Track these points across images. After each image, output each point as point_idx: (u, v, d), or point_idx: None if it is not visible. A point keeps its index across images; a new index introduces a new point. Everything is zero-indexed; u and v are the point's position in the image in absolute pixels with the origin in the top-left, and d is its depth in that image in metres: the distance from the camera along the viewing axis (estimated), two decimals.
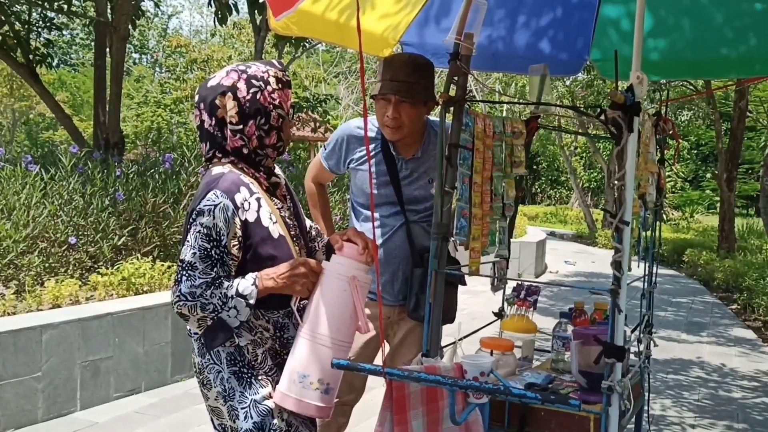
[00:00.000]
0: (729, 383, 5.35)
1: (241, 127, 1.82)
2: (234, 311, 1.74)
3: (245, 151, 1.85)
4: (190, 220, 1.76)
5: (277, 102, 1.85)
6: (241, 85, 1.82)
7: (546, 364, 2.52)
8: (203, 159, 1.93)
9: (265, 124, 1.85)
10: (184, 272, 1.73)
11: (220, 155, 1.86)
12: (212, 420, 1.91)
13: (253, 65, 1.88)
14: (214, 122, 1.84)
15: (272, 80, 1.85)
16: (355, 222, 2.65)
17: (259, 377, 1.81)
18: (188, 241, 1.75)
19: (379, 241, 2.52)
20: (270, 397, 1.79)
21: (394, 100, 2.40)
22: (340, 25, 2.37)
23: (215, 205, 1.74)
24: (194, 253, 1.73)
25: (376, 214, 2.54)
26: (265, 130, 1.85)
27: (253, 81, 1.83)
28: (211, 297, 1.72)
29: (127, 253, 5.58)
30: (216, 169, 1.84)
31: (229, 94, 1.82)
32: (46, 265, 4.91)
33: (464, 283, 2.55)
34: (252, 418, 1.76)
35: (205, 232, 1.73)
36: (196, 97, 1.89)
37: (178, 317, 1.83)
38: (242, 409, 1.78)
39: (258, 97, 1.82)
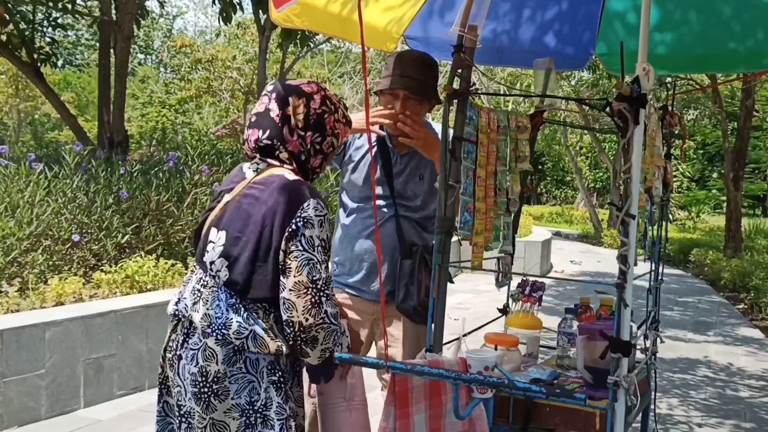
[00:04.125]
0: (736, 382, 5.31)
1: (302, 133, 1.85)
2: (345, 340, 1.81)
3: (303, 157, 1.87)
4: (293, 228, 1.72)
5: (336, 131, 1.91)
6: (317, 98, 1.87)
7: (551, 360, 2.49)
8: (249, 146, 1.89)
9: (318, 143, 1.88)
10: (323, 292, 1.72)
11: (279, 146, 1.85)
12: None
13: (330, 91, 1.93)
14: (280, 114, 1.84)
15: (341, 112, 1.92)
16: (342, 216, 2.63)
17: (290, 390, 1.79)
18: (312, 257, 1.71)
19: (367, 231, 2.51)
20: (291, 416, 1.78)
21: (402, 96, 2.39)
22: (342, 18, 2.35)
23: (324, 216, 1.76)
24: (326, 267, 1.74)
25: (366, 205, 2.53)
26: (315, 149, 1.88)
27: (328, 101, 1.89)
28: (340, 321, 1.78)
29: (130, 251, 5.58)
30: (289, 174, 1.82)
31: (304, 99, 1.85)
32: (50, 262, 4.91)
33: (451, 281, 2.52)
34: (288, 429, 1.74)
35: (323, 245, 1.74)
36: (270, 87, 1.90)
37: None
38: (279, 420, 1.73)
39: (325, 117, 1.87)
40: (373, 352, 2.65)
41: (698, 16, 2.82)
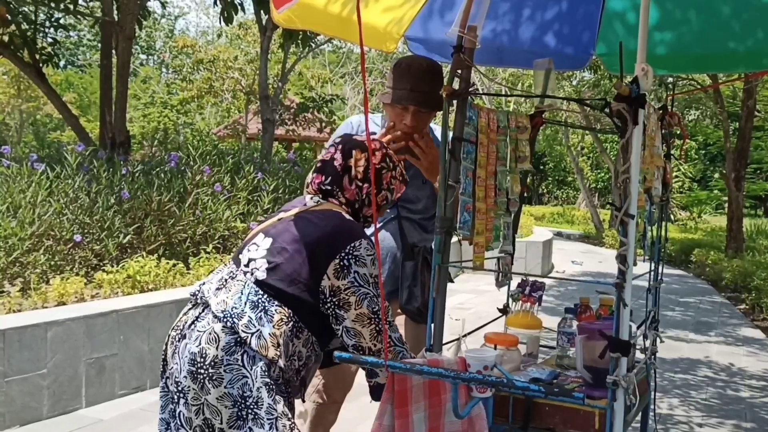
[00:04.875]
0: (737, 382, 5.31)
1: (360, 184, 2.02)
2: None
3: (357, 205, 2.04)
4: (344, 263, 1.85)
5: (391, 187, 2.08)
6: (378, 155, 2.06)
7: (551, 360, 2.50)
8: (312, 187, 2.06)
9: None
10: (385, 320, 1.86)
11: (338, 192, 2.02)
12: (197, 409, 1.80)
13: (392, 151, 2.13)
14: (342, 164, 2.03)
15: (398, 170, 2.10)
16: None
17: (279, 395, 1.83)
18: (369, 292, 1.86)
19: (368, 231, 2.51)
20: (284, 414, 1.81)
21: (412, 110, 2.39)
22: (342, 18, 2.36)
23: (374, 255, 1.90)
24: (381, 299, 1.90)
25: None
26: (370, 200, 2.04)
27: (387, 159, 2.08)
28: (405, 344, 1.94)
29: (132, 251, 5.59)
30: (345, 214, 1.98)
31: (366, 154, 2.03)
32: (52, 262, 4.92)
33: (451, 281, 2.52)
34: (274, 430, 1.78)
35: (375, 281, 1.89)
36: (337, 139, 2.12)
37: None
38: (269, 420, 1.78)
39: (383, 172, 2.06)
40: None
41: (698, 15, 2.83)
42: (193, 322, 1.86)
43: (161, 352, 1.96)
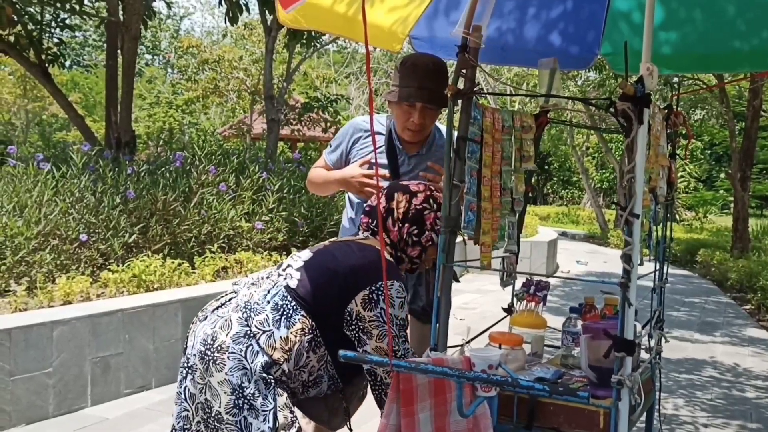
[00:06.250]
0: (743, 383, 5.29)
1: (401, 225, 2.11)
2: None
3: (400, 245, 2.12)
4: (373, 297, 1.90)
5: (436, 228, 2.14)
6: (420, 197, 2.14)
7: (555, 359, 2.49)
8: (362, 227, 2.19)
9: (416, 236, 2.12)
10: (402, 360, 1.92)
11: (383, 233, 2.12)
12: (201, 389, 1.86)
13: (439, 193, 2.18)
14: (386, 207, 2.14)
15: None
16: (349, 211, 2.65)
17: (281, 387, 1.89)
18: (391, 331, 1.92)
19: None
20: (287, 407, 1.86)
21: (419, 107, 2.40)
22: (348, 18, 2.36)
23: (404, 298, 1.97)
24: (404, 341, 1.98)
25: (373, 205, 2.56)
26: (413, 241, 2.11)
27: (431, 200, 2.15)
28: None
29: (137, 250, 5.60)
30: (386, 254, 2.06)
31: (408, 195, 2.13)
32: (58, 262, 4.94)
33: (457, 280, 2.52)
34: (269, 422, 1.83)
35: (400, 323, 1.96)
36: (385, 184, 2.25)
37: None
38: (263, 411, 1.83)
39: (425, 213, 2.13)
40: None
41: (703, 15, 2.82)
42: (218, 307, 1.96)
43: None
